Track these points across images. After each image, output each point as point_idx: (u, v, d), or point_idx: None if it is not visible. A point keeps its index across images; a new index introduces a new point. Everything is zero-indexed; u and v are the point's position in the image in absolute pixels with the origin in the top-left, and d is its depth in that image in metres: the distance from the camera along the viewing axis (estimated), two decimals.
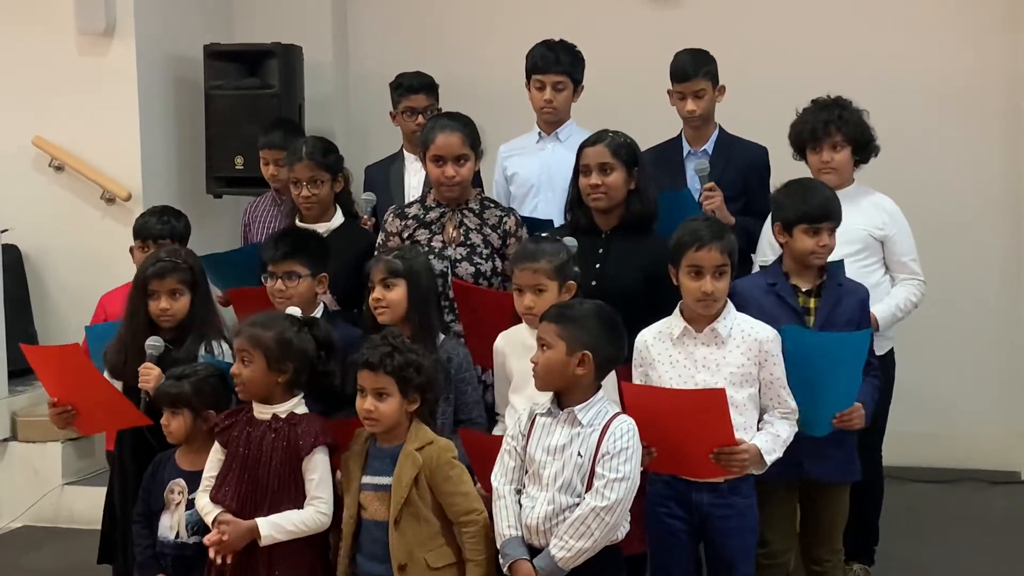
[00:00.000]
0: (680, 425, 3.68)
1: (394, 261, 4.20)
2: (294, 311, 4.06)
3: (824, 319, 4.13)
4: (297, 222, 5.02)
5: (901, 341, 4.89)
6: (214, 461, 3.95)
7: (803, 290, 4.18)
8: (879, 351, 4.58)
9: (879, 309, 4.60)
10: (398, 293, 4.17)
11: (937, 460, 6.48)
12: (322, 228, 4.93)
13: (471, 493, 3.71)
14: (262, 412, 3.90)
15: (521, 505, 3.63)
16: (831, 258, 4.24)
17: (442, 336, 4.23)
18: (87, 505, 5.86)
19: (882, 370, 4.56)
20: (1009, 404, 6.57)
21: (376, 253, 4.73)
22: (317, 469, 3.82)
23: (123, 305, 4.87)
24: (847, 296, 4.18)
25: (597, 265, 4.41)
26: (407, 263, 4.21)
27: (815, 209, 4.14)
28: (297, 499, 3.82)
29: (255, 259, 4.67)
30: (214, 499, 3.87)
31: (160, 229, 5.03)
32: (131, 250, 5.15)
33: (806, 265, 4.17)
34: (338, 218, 5.04)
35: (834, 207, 4.17)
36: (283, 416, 3.88)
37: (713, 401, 3.66)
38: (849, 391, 4.03)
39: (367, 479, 3.76)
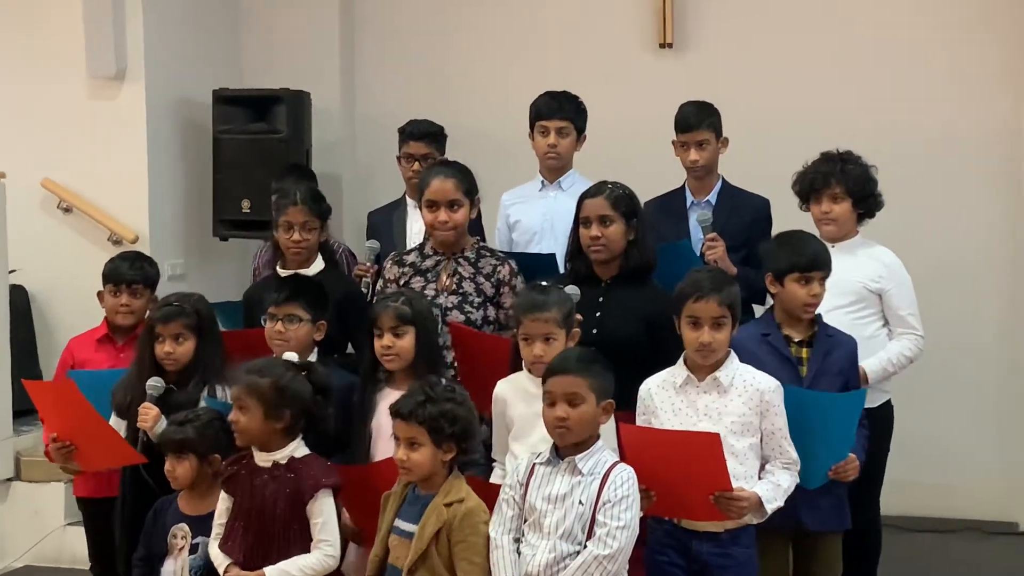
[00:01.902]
0: (678, 467, 3.70)
1: (403, 308, 4.21)
2: (291, 356, 4.07)
3: (816, 369, 4.19)
4: (279, 268, 5.03)
5: (900, 391, 4.91)
6: (223, 509, 3.96)
7: (795, 340, 4.24)
8: (875, 403, 4.65)
9: (870, 363, 4.63)
10: (407, 340, 4.19)
11: (936, 510, 6.49)
12: (304, 274, 4.93)
13: (480, 564, 3.65)
14: (263, 460, 3.92)
15: (520, 553, 3.63)
16: (821, 310, 4.30)
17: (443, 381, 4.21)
18: (83, 547, 5.82)
19: (880, 421, 4.64)
20: (1008, 455, 6.58)
21: (376, 299, 4.78)
22: (322, 512, 3.84)
23: (90, 350, 4.98)
24: (837, 347, 4.25)
25: (597, 314, 4.44)
26: (416, 309, 4.23)
27: (805, 259, 4.22)
28: (304, 543, 3.84)
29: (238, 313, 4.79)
30: (222, 550, 3.90)
31: (131, 275, 5.04)
32: (99, 295, 5.15)
33: (798, 315, 4.23)
34: (319, 264, 5.06)
35: (824, 257, 4.24)
36: (283, 463, 3.90)
37: (708, 445, 3.69)
38: (843, 445, 4.08)
39: (399, 523, 3.76)
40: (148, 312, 4.79)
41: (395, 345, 4.19)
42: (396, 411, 3.75)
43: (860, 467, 4.17)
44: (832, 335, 4.27)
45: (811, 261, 4.22)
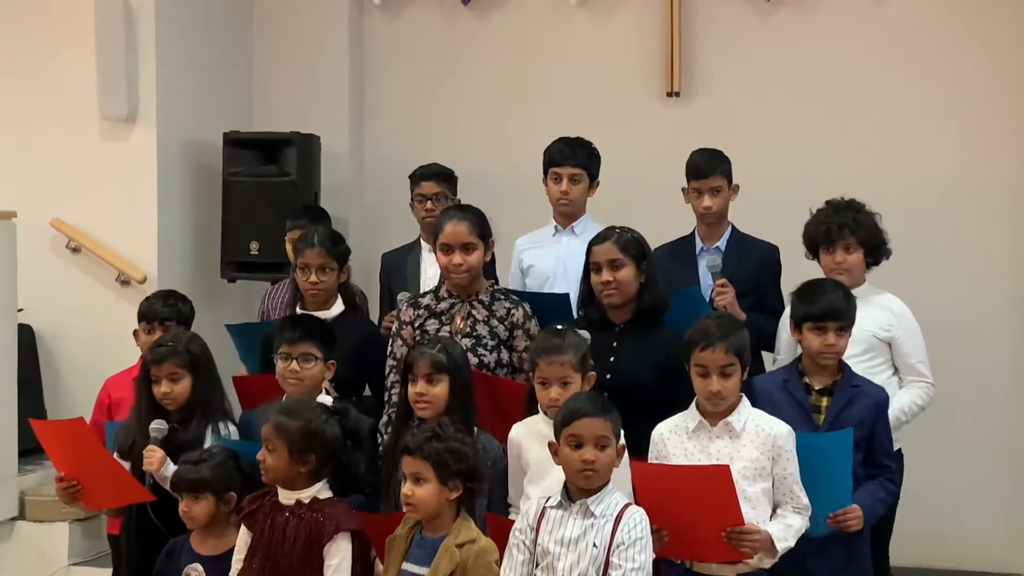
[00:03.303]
0: (689, 504, 3.71)
1: (439, 355, 4.18)
2: (325, 400, 4.07)
3: (833, 418, 4.19)
4: (298, 309, 5.06)
5: (909, 441, 4.91)
6: (242, 545, 3.97)
7: (816, 388, 4.25)
8: None
9: None
10: (442, 389, 4.16)
11: (944, 561, 6.47)
12: (323, 316, 4.97)
13: None
14: (286, 498, 3.93)
15: None
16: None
17: (476, 429, 4.20)
18: None
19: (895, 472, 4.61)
20: (1014, 506, 6.57)
21: (391, 343, 4.80)
22: (337, 555, 3.84)
23: (127, 389, 4.98)
24: (861, 398, 4.24)
25: (611, 359, 4.45)
26: (451, 357, 4.21)
27: (818, 309, 4.24)
28: None
29: (258, 339, 4.81)
30: None
31: (165, 312, 5.10)
32: (135, 333, 5.21)
33: (818, 364, 4.24)
34: (338, 306, 5.09)
35: (839, 307, 4.24)
36: (306, 502, 3.91)
37: (718, 478, 3.70)
38: (840, 491, 4.06)
39: (407, 566, 3.75)
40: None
41: (428, 393, 4.16)
42: (404, 447, 3.77)
43: (878, 518, 4.17)
44: (858, 385, 4.27)
45: (824, 311, 4.23)
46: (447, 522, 3.73)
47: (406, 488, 3.72)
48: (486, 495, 4.07)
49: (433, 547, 3.71)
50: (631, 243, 4.54)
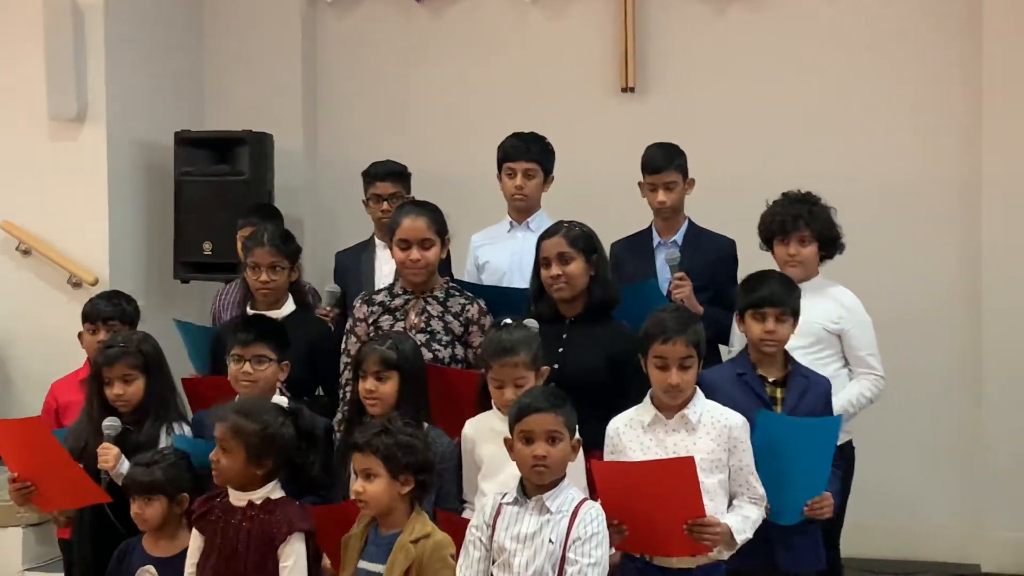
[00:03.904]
0: (651, 499, 3.70)
1: (389, 352, 4.19)
2: (280, 400, 4.03)
3: (790, 410, 4.20)
4: (249, 308, 5.02)
5: (861, 433, 4.93)
6: (194, 548, 3.93)
7: (770, 380, 4.26)
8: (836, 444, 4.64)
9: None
10: (391, 386, 4.17)
11: (898, 552, 6.50)
12: (274, 315, 4.94)
13: None
14: (238, 499, 3.89)
15: None
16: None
17: (426, 424, 4.19)
18: None
19: (842, 462, 4.61)
20: (969, 497, 6.60)
21: (344, 339, 4.77)
22: (292, 555, 3.81)
23: (74, 392, 4.93)
24: (812, 388, 4.27)
25: (560, 350, 4.45)
26: (401, 353, 4.21)
27: (757, 296, 4.27)
28: None
29: (207, 342, 4.77)
30: None
31: (109, 311, 5.07)
32: (79, 335, 5.15)
33: (761, 353, 4.26)
34: (290, 305, 5.06)
35: (777, 294, 4.26)
36: (259, 503, 3.88)
37: (682, 470, 3.69)
38: (819, 478, 4.08)
39: (363, 564, 3.73)
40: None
41: (377, 389, 4.17)
42: (353, 443, 3.76)
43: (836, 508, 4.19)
44: (807, 376, 4.30)
45: (763, 297, 4.26)
46: (401, 518, 3.72)
47: (357, 485, 3.71)
48: (434, 494, 4.06)
49: (388, 544, 3.69)
50: (580, 237, 4.54)
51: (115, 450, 4.27)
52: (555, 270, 4.49)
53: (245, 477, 3.88)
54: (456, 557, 3.70)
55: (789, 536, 4.09)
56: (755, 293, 4.28)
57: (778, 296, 4.26)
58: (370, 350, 4.23)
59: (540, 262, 4.57)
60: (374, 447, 3.68)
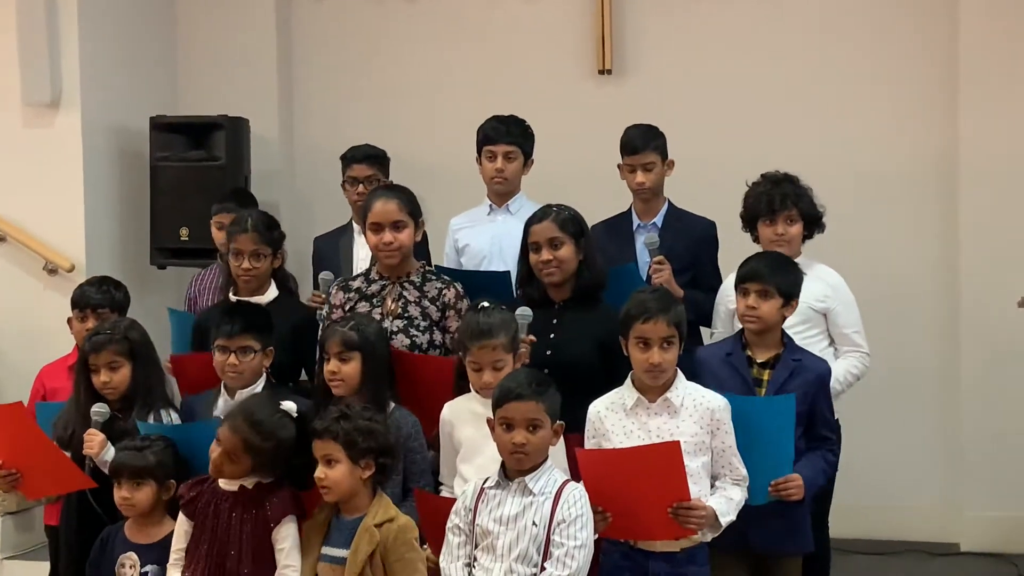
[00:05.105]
0: (635, 485, 3.70)
1: (350, 333, 4.20)
2: (289, 407, 3.99)
3: (775, 392, 4.18)
4: (231, 295, 5.00)
5: (845, 413, 4.93)
6: (181, 533, 3.92)
7: (759, 361, 4.26)
8: None
9: None
10: (353, 367, 4.18)
11: (880, 532, 6.53)
12: (257, 301, 4.90)
13: None
14: (229, 484, 3.89)
15: None
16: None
17: (392, 405, 4.23)
18: None
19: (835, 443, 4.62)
20: (949, 478, 6.63)
21: (321, 325, 4.75)
22: (287, 538, 3.81)
23: (62, 378, 4.91)
24: (803, 372, 4.24)
25: (551, 335, 4.45)
26: (363, 335, 4.22)
27: (742, 271, 4.29)
28: (269, 570, 3.80)
29: (188, 328, 4.79)
30: None
31: (98, 299, 5.04)
32: (69, 320, 5.14)
33: (749, 331, 4.26)
34: (272, 291, 5.03)
35: (760, 270, 4.26)
36: (250, 487, 3.87)
37: (668, 454, 3.69)
38: (781, 459, 4.06)
39: (326, 550, 3.75)
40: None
41: (340, 371, 4.18)
42: (312, 430, 3.77)
43: (819, 489, 4.18)
44: (800, 359, 4.27)
45: (744, 273, 4.28)
46: (363, 502, 3.75)
47: (318, 472, 3.73)
48: (400, 471, 4.07)
49: (351, 528, 3.72)
50: (569, 221, 4.53)
51: (100, 436, 4.26)
52: (546, 255, 4.48)
53: (243, 476, 3.88)
54: (418, 539, 3.73)
55: (765, 517, 4.06)
56: (740, 270, 4.31)
57: (759, 272, 4.26)
58: (332, 332, 4.26)
59: (529, 247, 4.56)
60: (333, 433, 3.71)
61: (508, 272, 4.91)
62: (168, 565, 3.93)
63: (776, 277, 4.25)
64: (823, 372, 4.31)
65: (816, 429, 4.23)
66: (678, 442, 3.71)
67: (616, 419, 3.94)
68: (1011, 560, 6.15)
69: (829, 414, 4.34)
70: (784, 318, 4.30)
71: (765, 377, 4.23)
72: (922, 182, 6.69)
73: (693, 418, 3.88)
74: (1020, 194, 6.42)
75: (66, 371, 5.00)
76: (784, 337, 4.31)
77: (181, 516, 3.93)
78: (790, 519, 4.17)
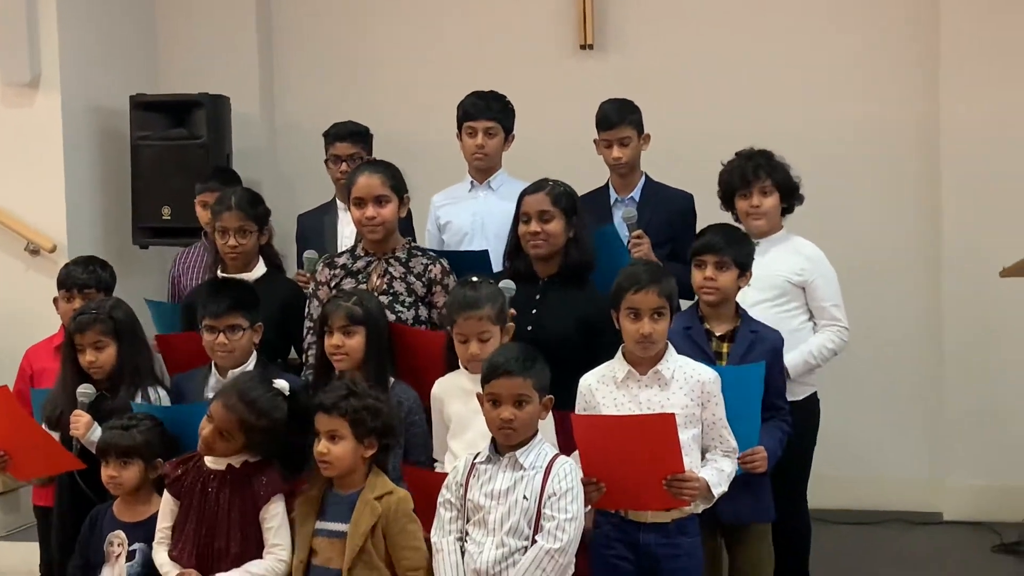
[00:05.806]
0: (629, 455, 3.71)
1: (355, 308, 4.21)
2: (282, 385, 4.00)
3: (735, 364, 4.21)
4: (219, 272, 4.99)
5: (824, 386, 4.96)
6: (167, 512, 3.93)
7: (717, 335, 4.29)
8: (798, 396, 4.68)
9: (790, 357, 4.60)
10: (357, 340, 4.19)
11: (861, 503, 6.57)
12: (245, 278, 4.90)
13: (422, 549, 3.71)
14: (215, 463, 3.89)
15: (465, 551, 3.64)
16: (746, 305, 4.38)
17: (392, 380, 4.24)
18: (13, 560, 5.77)
19: (805, 414, 4.67)
20: (930, 447, 6.68)
21: (308, 303, 4.75)
22: (275, 517, 3.82)
23: (48, 359, 4.90)
24: (760, 343, 4.28)
25: (534, 311, 4.45)
26: (367, 309, 4.23)
27: (699, 242, 4.32)
28: (256, 548, 3.81)
29: (176, 318, 4.81)
30: (172, 557, 3.86)
31: (84, 279, 5.02)
32: (55, 301, 5.12)
33: (705, 303, 4.29)
34: (260, 268, 5.03)
35: (717, 242, 4.29)
36: (237, 466, 3.88)
37: (662, 425, 3.70)
38: (748, 430, 4.09)
39: (321, 524, 3.76)
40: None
41: (344, 345, 4.19)
42: (319, 404, 3.77)
43: (777, 461, 4.21)
44: (756, 331, 4.32)
45: (701, 244, 4.31)
46: (359, 479, 3.76)
47: (320, 446, 3.73)
48: (402, 449, 4.09)
49: (348, 503, 3.73)
50: (562, 196, 4.54)
51: (86, 417, 4.27)
52: (534, 226, 4.49)
53: (233, 453, 3.89)
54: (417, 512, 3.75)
55: (731, 488, 4.01)
56: (696, 242, 4.33)
57: (716, 244, 4.28)
58: (335, 306, 4.25)
59: (520, 216, 4.56)
60: (342, 410, 3.71)
61: (486, 251, 4.91)
62: (154, 543, 3.94)
63: (731, 248, 4.29)
64: (777, 342, 4.35)
65: (771, 399, 4.25)
66: (673, 414, 3.72)
67: (607, 391, 3.95)
68: (993, 528, 6.19)
69: (782, 384, 4.38)
70: (739, 289, 4.33)
71: (724, 350, 4.27)
72: (903, 155, 6.72)
73: (683, 390, 3.89)
74: (1001, 166, 6.45)
75: (52, 352, 4.99)
76: (739, 309, 4.35)
77: (166, 494, 3.94)
78: (753, 490, 4.22)
